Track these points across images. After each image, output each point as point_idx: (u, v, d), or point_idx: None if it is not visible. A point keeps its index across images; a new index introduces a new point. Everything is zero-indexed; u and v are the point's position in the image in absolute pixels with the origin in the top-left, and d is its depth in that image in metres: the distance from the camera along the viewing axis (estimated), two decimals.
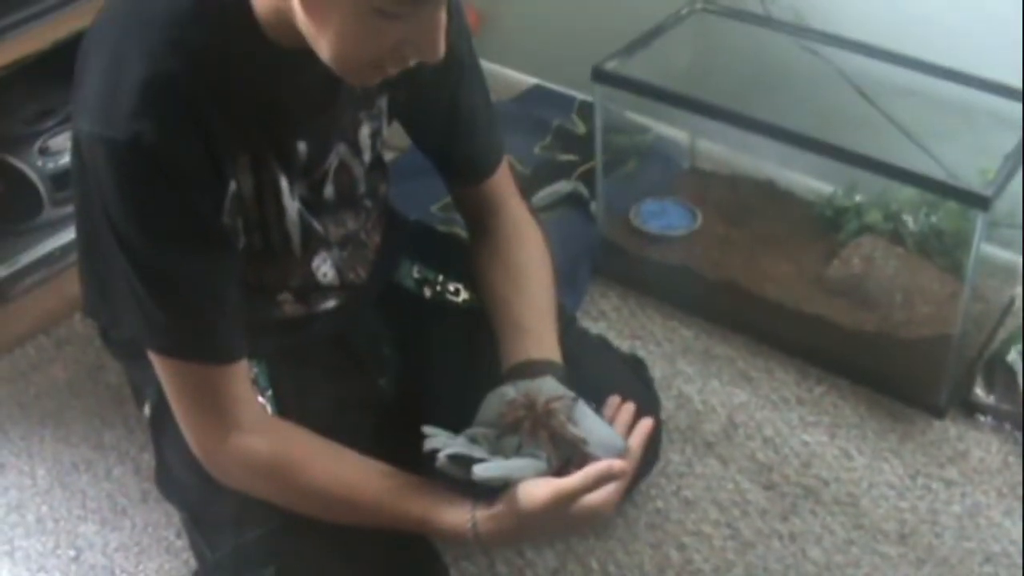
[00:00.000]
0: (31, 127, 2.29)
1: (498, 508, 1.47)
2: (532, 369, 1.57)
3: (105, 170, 1.35)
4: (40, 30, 2.14)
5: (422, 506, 1.50)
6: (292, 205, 1.52)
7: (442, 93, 1.42)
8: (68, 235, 2.29)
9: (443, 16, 1.32)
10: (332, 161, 1.56)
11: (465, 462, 1.46)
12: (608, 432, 1.55)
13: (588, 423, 1.54)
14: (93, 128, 1.35)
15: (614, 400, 1.63)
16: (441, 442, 1.48)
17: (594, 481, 1.45)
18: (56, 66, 2.21)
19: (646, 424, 1.58)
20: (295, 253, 1.58)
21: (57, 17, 2.16)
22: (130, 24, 1.38)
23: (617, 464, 1.47)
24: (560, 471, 1.49)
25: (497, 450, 1.51)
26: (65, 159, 2.24)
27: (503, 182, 1.74)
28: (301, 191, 1.53)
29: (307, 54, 1.33)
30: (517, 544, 1.54)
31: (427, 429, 1.50)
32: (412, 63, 1.35)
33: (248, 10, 1.36)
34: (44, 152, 2.26)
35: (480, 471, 1.45)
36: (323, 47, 1.31)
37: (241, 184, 1.44)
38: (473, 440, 1.51)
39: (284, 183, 1.49)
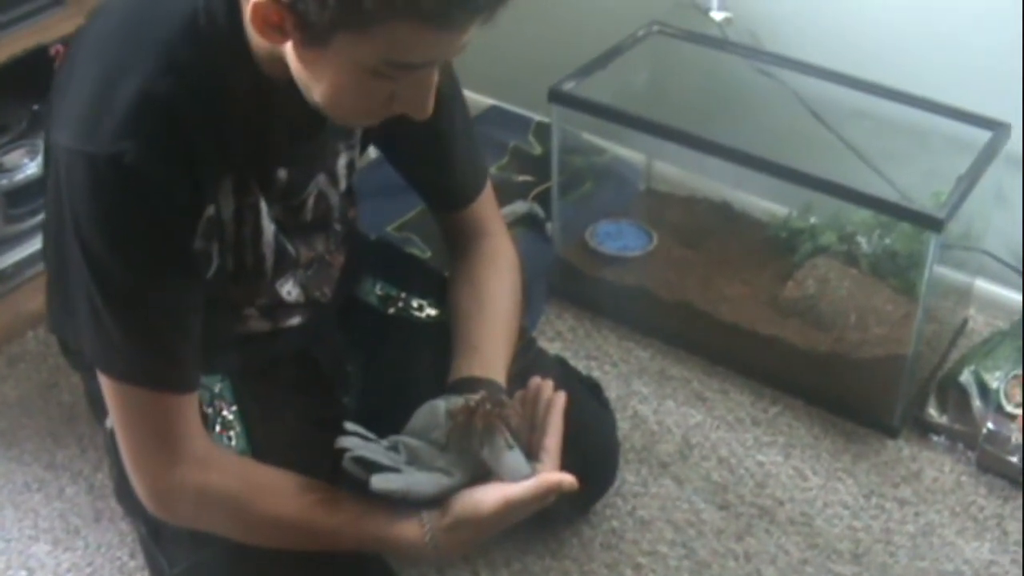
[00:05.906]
0: None
1: (451, 519, 1.47)
2: (471, 386, 1.57)
3: (82, 187, 1.33)
4: None
5: (376, 525, 1.49)
6: (269, 227, 1.51)
7: (420, 122, 1.43)
8: (22, 252, 2.28)
9: (435, 77, 1.34)
10: (312, 190, 1.57)
11: (371, 468, 1.45)
12: (515, 456, 1.52)
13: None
14: (74, 143, 1.33)
15: (534, 381, 1.64)
16: (352, 443, 1.47)
17: (544, 493, 1.47)
18: (9, 82, 2.21)
19: (557, 420, 1.58)
20: (266, 275, 1.56)
21: (10, 33, 2.15)
22: (124, 41, 1.37)
23: (568, 479, 1.48)
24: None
25: (415, 460, 1.49)
26: (20, 175, 2.23)
27: (485, 209, 1.75)
28: (276, 214, 1.52)
29: (297, 88, 1.34)
30: (471, 549, 1.55)
31: (349, 426, 1.49)
32: (399, 113, 1.37)
33: (243, 40, 1.36)
34: None
35: (377, 481, 1.44)
36: (316, 94, 1.32)
37: (221, 207, 1.43)
38: (393, 448, 1.50)
39: (263, 205, 1.49)
